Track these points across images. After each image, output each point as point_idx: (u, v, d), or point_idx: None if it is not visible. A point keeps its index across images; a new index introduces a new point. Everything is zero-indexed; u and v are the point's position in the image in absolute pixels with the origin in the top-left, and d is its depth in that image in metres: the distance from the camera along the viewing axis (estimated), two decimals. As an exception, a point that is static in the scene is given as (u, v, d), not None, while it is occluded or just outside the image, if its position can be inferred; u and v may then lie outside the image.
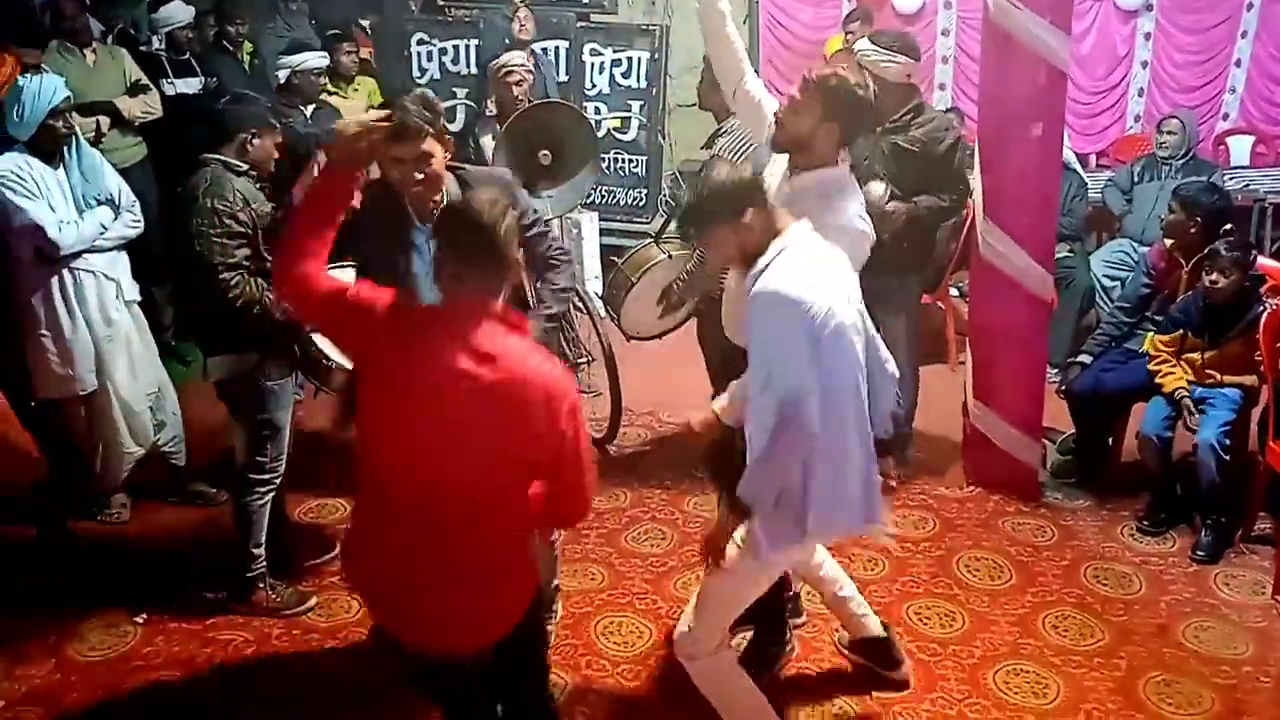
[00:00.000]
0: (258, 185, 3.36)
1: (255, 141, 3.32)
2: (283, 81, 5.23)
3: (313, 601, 3.49)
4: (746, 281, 2.37)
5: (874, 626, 3.08)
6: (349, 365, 3.39)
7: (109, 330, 3.82)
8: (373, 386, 2.04)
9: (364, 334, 2.04)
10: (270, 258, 3.23)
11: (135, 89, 5.14)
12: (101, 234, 3.74)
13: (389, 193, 2.77)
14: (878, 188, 4.02)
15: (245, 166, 3.29)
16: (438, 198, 2.72)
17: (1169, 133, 5.83)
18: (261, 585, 3.43)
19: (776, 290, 2.29)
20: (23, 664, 3.19)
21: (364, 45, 6.52)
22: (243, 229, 3.20)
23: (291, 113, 5.13)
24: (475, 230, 1.98)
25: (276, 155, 3.41)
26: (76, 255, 3.70)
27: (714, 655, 2.62)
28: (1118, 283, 5.46)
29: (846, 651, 3.19)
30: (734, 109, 3.27)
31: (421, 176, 2.65)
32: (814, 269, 2.36)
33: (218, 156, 3.27)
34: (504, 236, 1.99)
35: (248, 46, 6.13)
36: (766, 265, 2.34)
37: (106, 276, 3.78)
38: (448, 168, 2.74)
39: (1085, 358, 4.33)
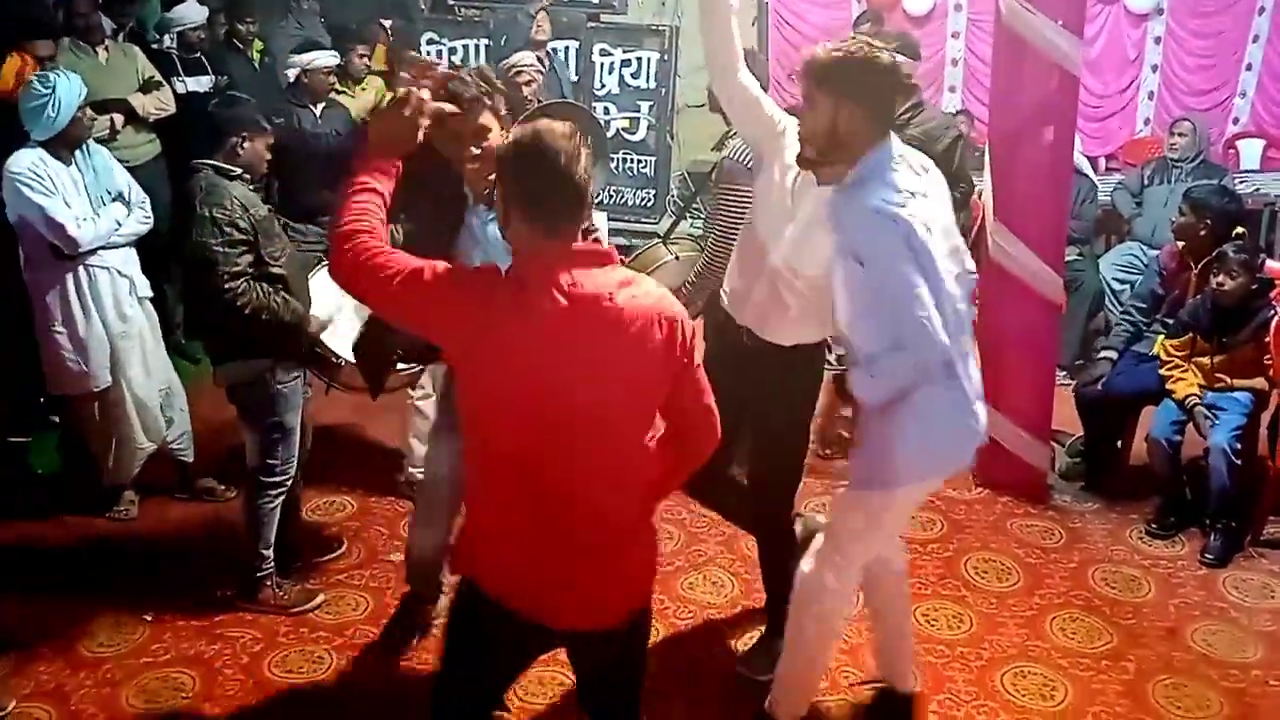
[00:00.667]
0: (251, 187, 3.34)
1: (246, 145, 3.26)
2: (292, 80, 5.24)
3: (320, 599, 3.49)
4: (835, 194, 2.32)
5: (910, 683, 2.92)
6: (352, 358, 3.40)
7: (124, 326, 3.84)
8: (488, 363, 1.84)
9: (462, 311, 1.84)
10: (272, 261, 3.23)
11: (148, 86, 5.15)
12: (116, 230, 3.76)
13: (443, 170, 2.65)
14: None
15: (239, 171, 3.25)
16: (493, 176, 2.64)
17: (1179, 135, 5.82)
18: (269, 583, 3.44)
19: (871, 203, 2.25)
20: (31, 661, 3.19)
21: (383, 45, 6.52)
22: (244, 235, 3.17)
23: (301, 111, 5.15)
24: (552, 164, 1.81)
25: (269, 157, 3.37)
26: (92, 252, 3.73)
27: (831, 579, 2.56)
28: (1127, 286, 5.45)
29: (864, 684, 3.07)
30: (728, 107, 3.14)
31: (478, 152, 2.56)
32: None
33: (209, 162, 3.23)
34: (583, 169, 1.84)
35: (258, 45, 6.14)
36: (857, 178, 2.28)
37: (120, 273, 3.80)
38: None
39: (1111, 353, 4.31)
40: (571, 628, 2.02)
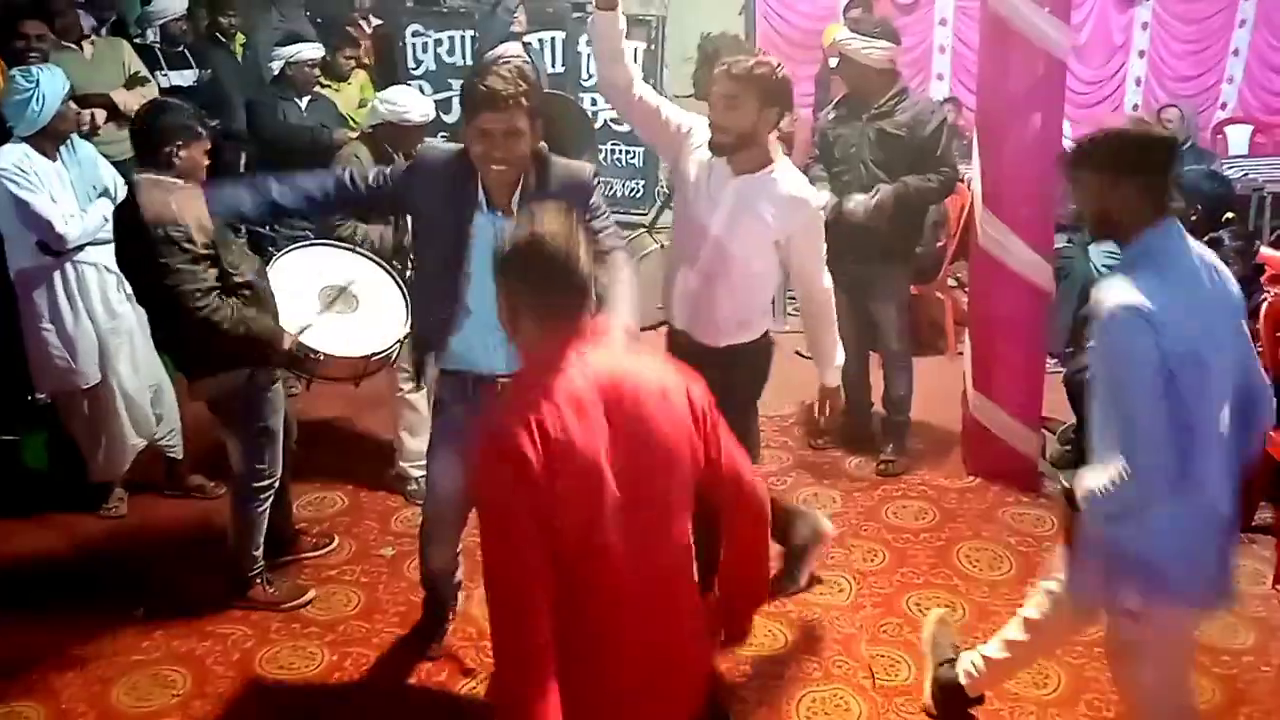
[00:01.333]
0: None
1: (181, 153, 3.10)
2: (276, 73, 5.21)
3: (311, 595, 3.48)
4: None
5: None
6: (334, 350, 3.37)
7: (112, 323, 3.82)
8: (577, 499, 1.69)
9: (547, 495, 1.67)
10: (234, 270, 3.09)
11: (133, 81, 5.10)
12: (103, 226, 3.71)
13: (460, 170, 2.61)
14: (857, 202, 4.05)
15: (181, 183, 3.08)
16: (518, 180, 2.60)
17: (1167, 122, 5.83)
18: (259, 580, 3.42)
19: (1126, 303, 2.04)
20: (21, 659, 3.17)
21: (363, 38, 6.49)
22: (206, 250, 3.03)
23: (287, 105, 5.11)
24: (557, 266, 1.76)
25: (207, 162, 3.22)
26: (79, 248, 3.69)
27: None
28: (1118, 272, 5.45)
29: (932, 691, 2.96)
30: (630, 120, 3.19)
31: (503, 155, 2.51)
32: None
33: (148, 175, 3.08)
34: (585, 264, 1.79)
35: (240, 38, 6.11)
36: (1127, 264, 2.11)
37: (107, 269, 3.76)
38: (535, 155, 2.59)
39: None
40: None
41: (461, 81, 2.87)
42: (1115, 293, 2.08)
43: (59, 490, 4.06)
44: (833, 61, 7.13)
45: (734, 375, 2.92)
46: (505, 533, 1.65)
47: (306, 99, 5.18)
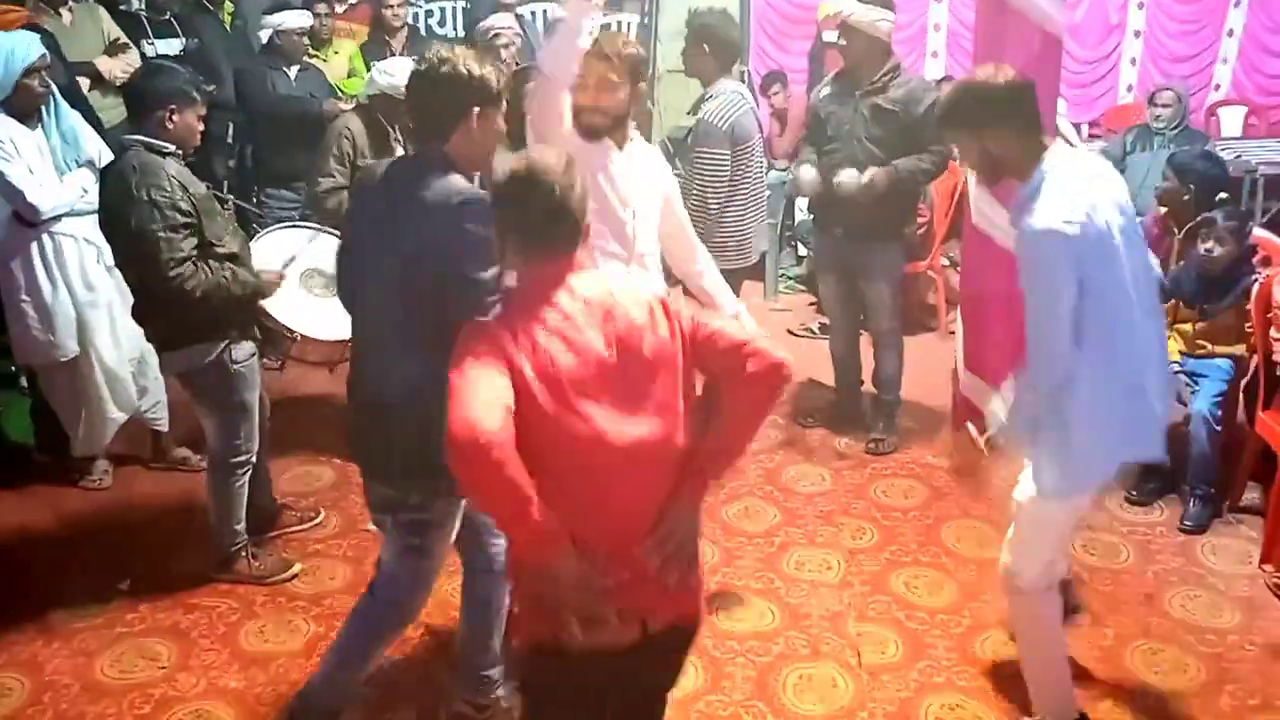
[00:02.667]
0: (185, 162, 3.13)
1: (175, 118, 3.03)
2: (265, 42, 5.14)
3: (296, 568, 3.46)
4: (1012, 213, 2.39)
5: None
6: (309, 332, 3.35)
7: (91, 295, 3.77)
8: (543, 387, 1.81)
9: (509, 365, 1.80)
10: (217, 242, 3.07)
11: (114, 49, 5.03)
12: (82, 197, 3.65)
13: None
14: (849, 175, 4.02)
15: (172, 147, 3.04)
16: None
17: (1164, 106, 5.80)
18: (244, 554, 3.40)
19: (1046, 226, 2.26)
20: (5, 630, 3.16)
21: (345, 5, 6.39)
22: (186, 218, 2.98)
23: (276, 74, 5.05)
24: (547, 197, 1.84)
25: (201, 128, 3.16)
26: (57, 219, 3.64)
27: (1034, 595, 2.58)
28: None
29: None
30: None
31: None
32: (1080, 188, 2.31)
33: (140, 139, 3.02)
34: (579, 198, 1.87)
35: (228, 6, 6.02)
36: (1033, 193, 2.32)
37: (87, 240, 3.71)
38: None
39: None
40: (684, 622, 2.01)
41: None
42: (1034, 219, 2.29)
43: (42, 462, 4.03)
44: (827, 36, 7.12)
45: None
46: (458, 385, 1.75)
47: (295, 69, 5.12)
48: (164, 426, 4.09)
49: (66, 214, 3.65)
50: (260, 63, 5.16)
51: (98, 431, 3.91)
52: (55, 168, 3.64)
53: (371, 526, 3.69)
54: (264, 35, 5.15)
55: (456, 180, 2.23)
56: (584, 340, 1.83)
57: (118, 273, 3.82)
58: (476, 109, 2.21)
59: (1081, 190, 2.32)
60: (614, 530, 1.89)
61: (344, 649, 2.60)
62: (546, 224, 1.86)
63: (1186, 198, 4.06)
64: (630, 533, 1.90)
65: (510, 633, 2.03)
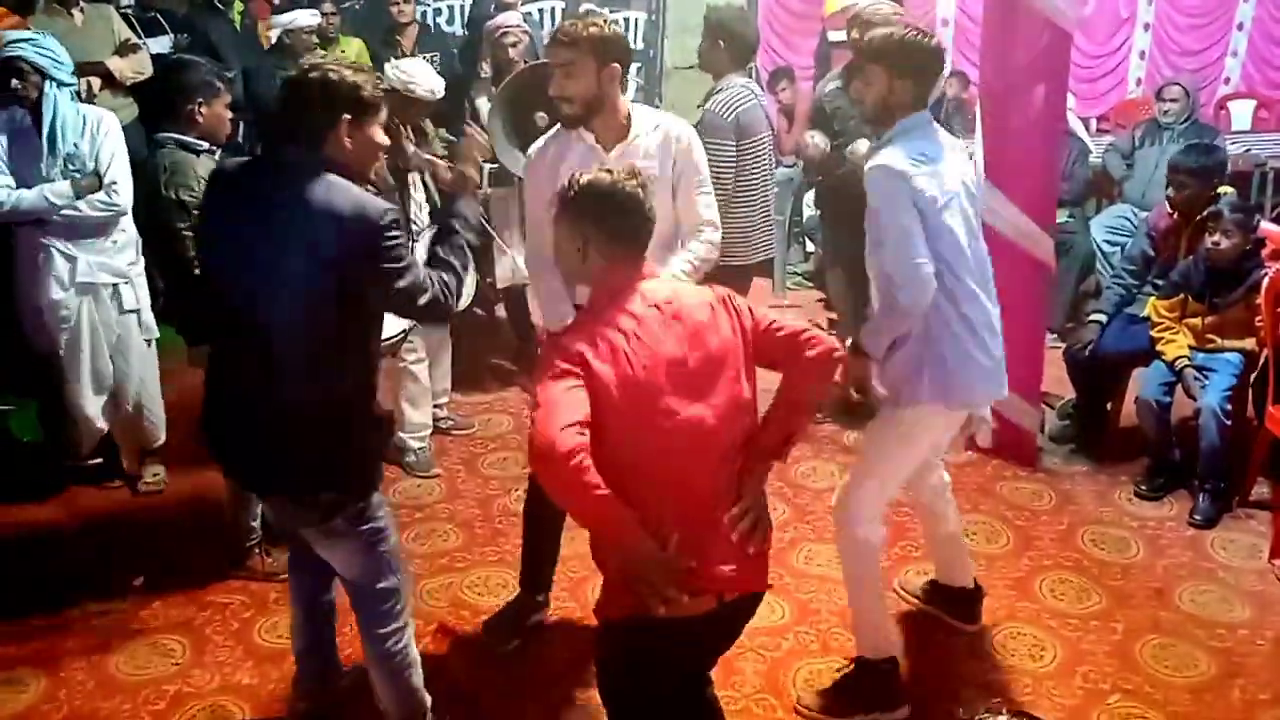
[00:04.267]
0: (217, 155, 3.14)
1: (204, 109, 3.07)
2: (275, 41, 5.16)
3: (309, 565, 3.48)
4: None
5: (967, 578, 3.16)
6: None
7: (66, 311, 3.68)
8: (634, 394, 1.95)
9: (608, 381, 1.94)
10: None
11: (124, 49, 5.05)
12: (53, 208, 3.51)
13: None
14: (861, 146, 4.01)
15: (205, 145, 3.06)
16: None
17: (1171, 100, 5.78)
18: (258, 551, 3.43)
19: (888, 164, 2.52)
20: (20, 627, 3.18)
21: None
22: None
23: (285, 74, 5.06)
24: (636, 207, 2.03)
25: (230, 116, 3.19)
26: (37, 224, 3.56)
27: (861, 532, 2.75)
28: (1117, 248, 5.44)
29: (917, 596, 3.27)
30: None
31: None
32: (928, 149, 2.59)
33: (173, 135, 3.03)
34: (650, 208, 2.06)
35: (238, 5, 6.05)
36: (889, 140, 2.60)
37: (64, 254, 3.61)
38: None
39: (1100, 317, 4.29)
40: (755, 589, 2.17)
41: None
42: (879, 157, 2.58)
43: (54, 461, 4.05)
44: (832, 35, 7.11)
45: None
46: (540, 405, 1.88)
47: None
48: (159, 438, 4.05)
49: (41, 222, 3.55)
50: (269, 61, 5.17)
51: (78, 438, 3.89)
52: (40, 171, 3.53)
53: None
54: (273, 35, 5.16)
55: (362, 194, 2.20)
56: (660, 344, 1.98)
57: (103, 291, 3.75)
58: (347, 117, 2.20)
59: (928, 150, 2.60)
60: (690, 513, 2.02)
61: (382, 663, 2.55)
62: (631, 231, 2.04)
63: (1188, 192, 4.07)
64: (705, 514, 2.04)
65: (600, 608, 2.12)
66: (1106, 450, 4.25)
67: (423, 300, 2.27)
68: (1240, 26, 7.90)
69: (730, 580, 2.06)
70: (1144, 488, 3.95)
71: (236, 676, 3.01)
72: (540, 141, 2.93)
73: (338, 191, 2.16)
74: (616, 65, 2.67)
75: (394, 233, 2.20)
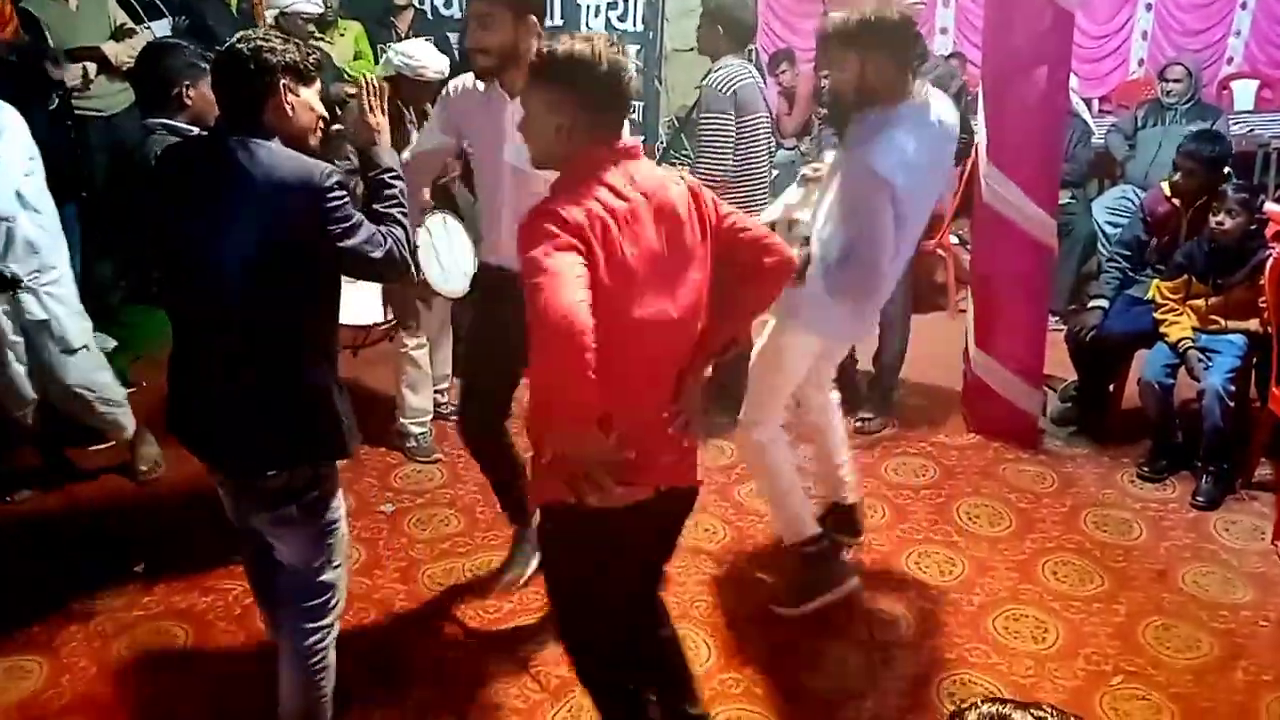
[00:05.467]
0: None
1: (191, 92, 3.00)
2: (271, 24, 5.12)
3: (311, 551, 3.48)
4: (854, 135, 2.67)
5: (851, 494, 3.32)
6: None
7: None
8: (613, 270, 1.89)
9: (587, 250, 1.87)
10: None
11: (120, 33, 5.02)
12: None
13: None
14: None
15: (196, 130, 2.97)
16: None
17: (1174, 80, 5.75)
18: (259, 536, 3.43)
19: (878, 171, 2.58)
20: (23, 614, 3.18)
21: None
22: None
23: None
24: (616, 75, 1.93)
25: (215, 97, 3.15)
26: None
27: (762, 434, 2.94)
28: (1119, 229, 5.41)
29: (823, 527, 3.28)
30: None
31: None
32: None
33: (163, 121, 2.98)
34: (632, 79, 1.98)
35: (234, -12, 6.00)
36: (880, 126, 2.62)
37: None
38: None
39: (1102, 302, 4.28)
40: (688, 484, 2.20)
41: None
42: (873, 159, 2.59)
43: (54, 446, 4.05)
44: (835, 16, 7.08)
45: None
46: (549, 272, 1.79)
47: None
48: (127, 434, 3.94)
49: None
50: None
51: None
52: None
53: (386, 508, 3.76)
54: (269, 15, 5.12)
55: (303, 158, 2.20)
56: (647, 233, 1.93)
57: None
58: (285, 82, 2.21)
59: (911, 144, 2.62)
60: (639, 404, 2.02)
61: (300, 661, 2.48)
62: (612, 102, 1.94)
63: (1192, 176, 4.05)
64: (652, 407, 2.06)
65: (537, 493, 2.11)
66: (1109, 432, 4.24)
67: (377, 255, 2.24)
68: (1244, 5, 7.85)
69: (667, 471, 2.11)
70: (1146, 470, 3.95)
71: (239, 663, 3.01)
72: (450, 88, 2.96)
73: (281, 160, 2.16)
74: (533, 17, 2.64)
75: (339, 193, 2.18)
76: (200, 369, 2.31)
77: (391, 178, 2.40)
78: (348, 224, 2.20)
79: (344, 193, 2.19)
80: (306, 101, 2.26)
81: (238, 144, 2.16)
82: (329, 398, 2.31)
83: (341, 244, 2.19)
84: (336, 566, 2.46)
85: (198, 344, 2.31)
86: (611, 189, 1.91)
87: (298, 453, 2.30)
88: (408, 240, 2.33)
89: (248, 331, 2.21)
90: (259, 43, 2.20)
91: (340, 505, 2.44)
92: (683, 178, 2.07)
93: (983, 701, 1.07)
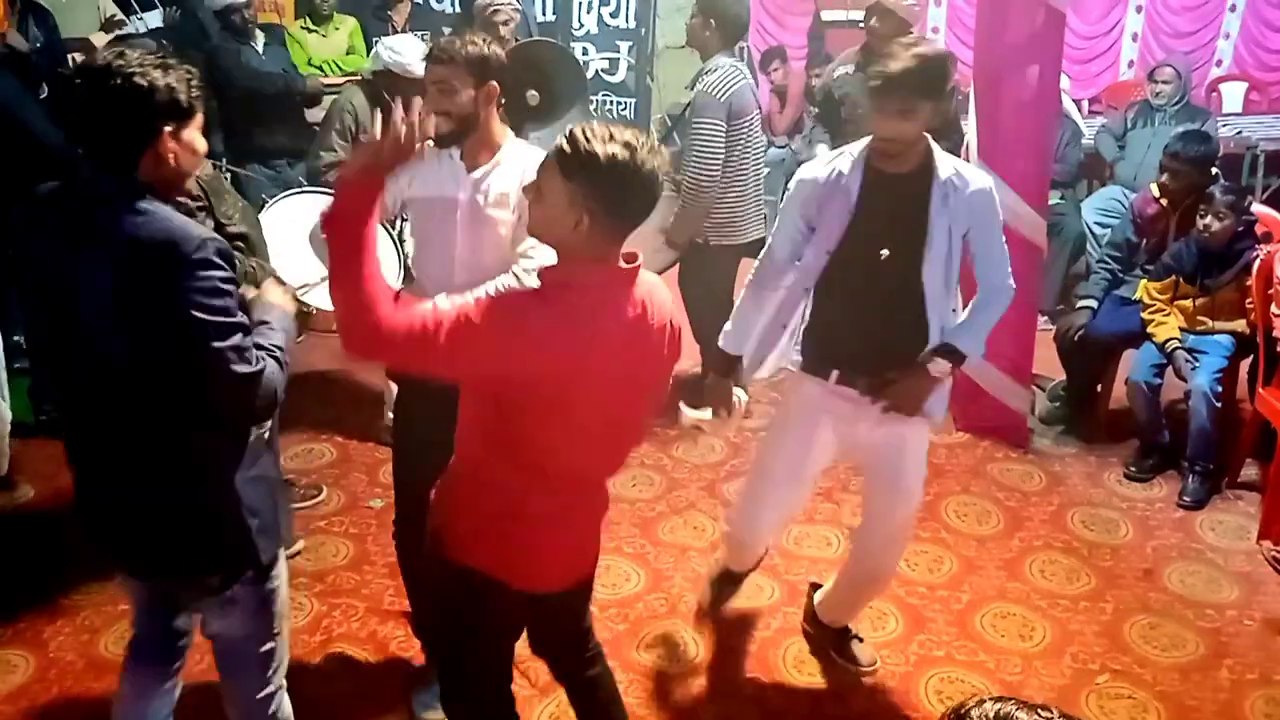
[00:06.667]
0: None
1: None
2: (221, 22, 5.02)
3: (299, 545, 3.47)
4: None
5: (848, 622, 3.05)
6: (326, 306, 3.32)
7: None
8: (566, 380, 1.81)
9: (537, 340, 1.76)
10: (228, 221, 2.97)
11: (109, 25, 4.99)
12: None
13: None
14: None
15: None
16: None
17: (1163, 82, 5.77)
18: (248, 531, 3.40)
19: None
20: (9, 608, 3.16)
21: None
22: (197, 203, 2.89)
23: (248, 51, 4.97)
24: (649, 184, 1.79)
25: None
26: None
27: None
28: (1109, 229, 5.43)
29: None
30: None
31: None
32: None
33: None
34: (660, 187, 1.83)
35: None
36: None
37: None
38: None
39: (1090, 302, 4.30)
40: (574, 585, 2.13)
41: (451, 28, 2.80)
42: (983, 178, 2.57)
43: (44, 438, 4.03)
44: (826, 14, 7.10)
45: None
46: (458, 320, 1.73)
47: (262, 44, 5.06)
48: None
49: None
50: (229, 40, 5.04)
51: None
52: None
53: (375, 503, 3.75)
54: (216, 11, 5.00)
55: (175, 219, 1.81)
56: (650, 344, 1.90)
57: None
58: (168, 129, 1.82)
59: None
60: (574, 500, 2.01)
61: None
62: (642, 210, 1.82)
63: (1179, 178, 4.07)
64: (587, 505, 2.07)
65: (453, 549, 1.99)
66: (1096, 432, 4.26)
67: (242, 370, 1.80)
68: (1233, 8, 7.89)
69: (581, 568, 2.12)
70: (1134, 469, 3.97)
71: (227, 657, 3.00)
72: None
73: (150, 222, 1.78)
74: (494, 85, 2.47)
75: (213, 271, 1.76)
76: (92, 462, 1.98)
77: (275, 329, 1.99)
78: (216, 317, 1.77)
79: (222, 272, 1.78)
80: (190, 143, 1.87)
81: (106, 200, 1.80)
82: (235, 506, 1.93)
83: (200, 337, 1.76)
84: (278, 634, 2.17)
85: (85, 434, 1.97)
86: (626, 296, 1.84)
87: (197, 564, 1.99)
88: (282, 388, 1.92)
89: (123, 423, 1.87)
90: (133, 69, 1.77)
91: (281, 570, 2.13)
92: (671, 308, 1.97)
93: (989, 700, 1.06)
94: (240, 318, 1.82)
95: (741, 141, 3.98)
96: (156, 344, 1.77)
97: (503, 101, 2.53)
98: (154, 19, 5.33)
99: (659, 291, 1.94)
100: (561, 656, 2.32)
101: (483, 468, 1.94)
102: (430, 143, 2.33)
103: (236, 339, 1.80)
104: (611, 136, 1.76)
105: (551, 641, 2.30)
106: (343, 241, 1.74)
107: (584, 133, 1.77)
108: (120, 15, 5.08)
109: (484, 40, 2.51)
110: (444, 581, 2.05)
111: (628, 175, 1.75)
